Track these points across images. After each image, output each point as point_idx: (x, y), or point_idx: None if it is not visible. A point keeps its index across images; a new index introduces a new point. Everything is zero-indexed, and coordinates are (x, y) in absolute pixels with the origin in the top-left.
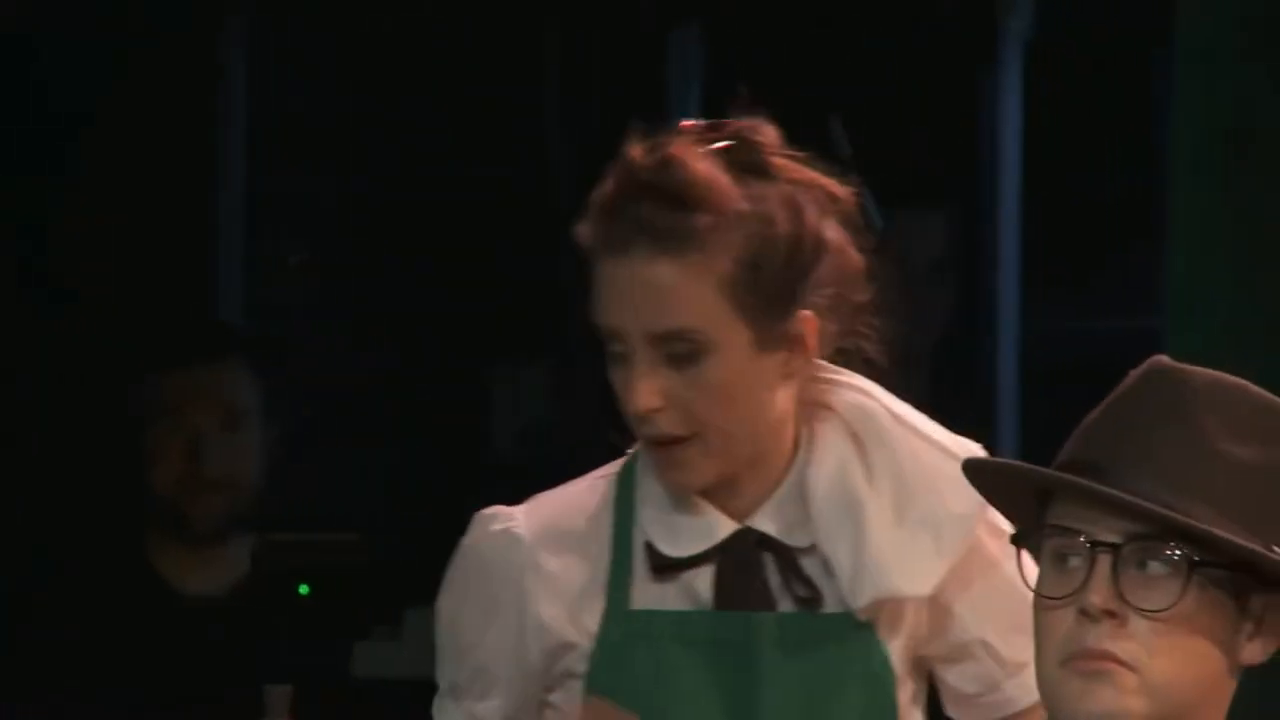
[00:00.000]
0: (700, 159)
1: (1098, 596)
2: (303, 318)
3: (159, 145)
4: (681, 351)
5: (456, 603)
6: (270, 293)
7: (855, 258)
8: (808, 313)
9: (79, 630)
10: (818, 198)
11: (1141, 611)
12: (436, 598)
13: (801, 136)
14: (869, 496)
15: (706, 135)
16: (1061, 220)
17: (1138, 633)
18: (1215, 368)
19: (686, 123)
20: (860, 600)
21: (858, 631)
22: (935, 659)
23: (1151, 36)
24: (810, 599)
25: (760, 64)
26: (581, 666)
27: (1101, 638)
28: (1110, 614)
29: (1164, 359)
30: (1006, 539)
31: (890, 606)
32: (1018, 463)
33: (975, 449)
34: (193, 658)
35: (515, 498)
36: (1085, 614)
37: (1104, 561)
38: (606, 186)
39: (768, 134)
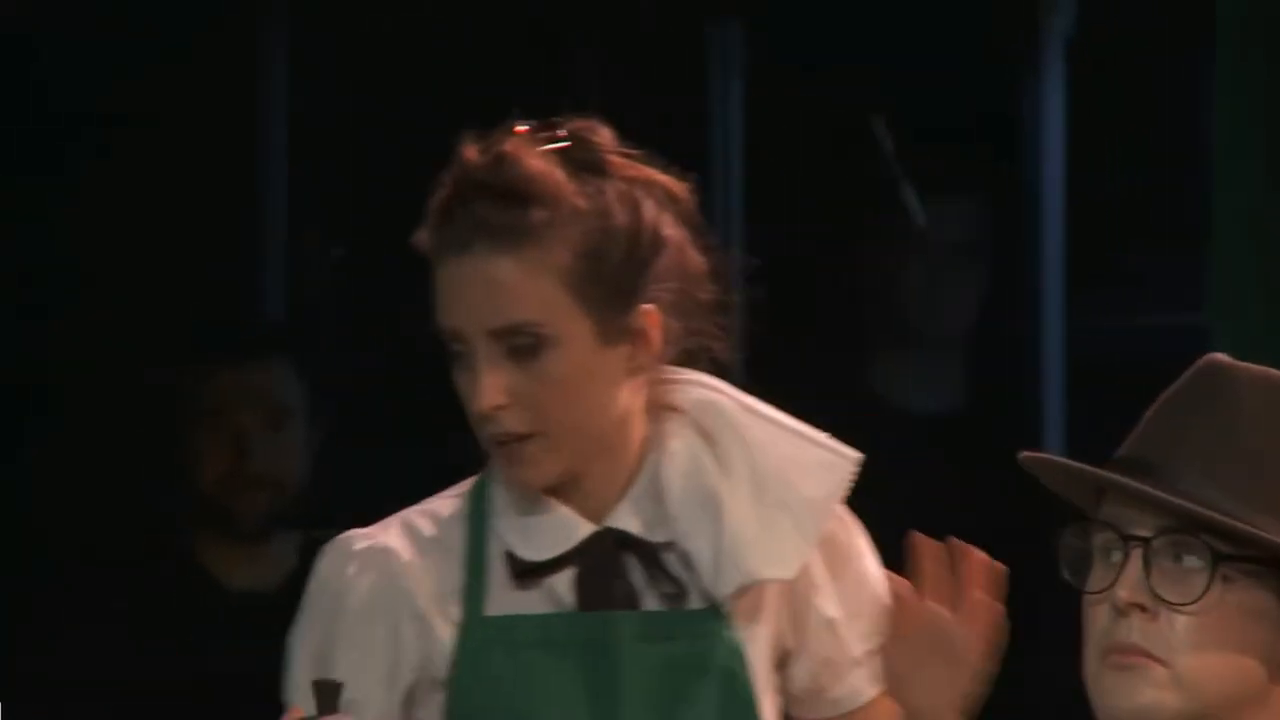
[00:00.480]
0: (535, 156)
1: (1125, 590)
2: (343, 315)
3: (202, 143)
4: (523, 346)
5: (320, 635)
6: (312, 292)
7: (696, 255)
8: (650, 306)
9: (126, 626)
10: (655, 195)
11: (1170, 605)
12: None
13: (843, 132)
14: (723, 488)
15: (541, 134)
16: (1105, 216)
17: (1170, 627)
18: (1258, 364)
19: (517, 124)
20: (725, 588)
21: (718, 625)
22: (791, 650)
23: (1195, 32)
24: (675, 594)
25: (802, 59)
26: (443, 678)
27: (1131, 632)
28: (1140, 608)
29: (1219, 356)
30: (857, 533)
31: (752, 598)
32: (1066, 460)
33: (841, 446)
34: (239, 653)
35: None
36: (1115, 608)
37: (1136, 556)
38: (441, 189)
39: (603, 133)
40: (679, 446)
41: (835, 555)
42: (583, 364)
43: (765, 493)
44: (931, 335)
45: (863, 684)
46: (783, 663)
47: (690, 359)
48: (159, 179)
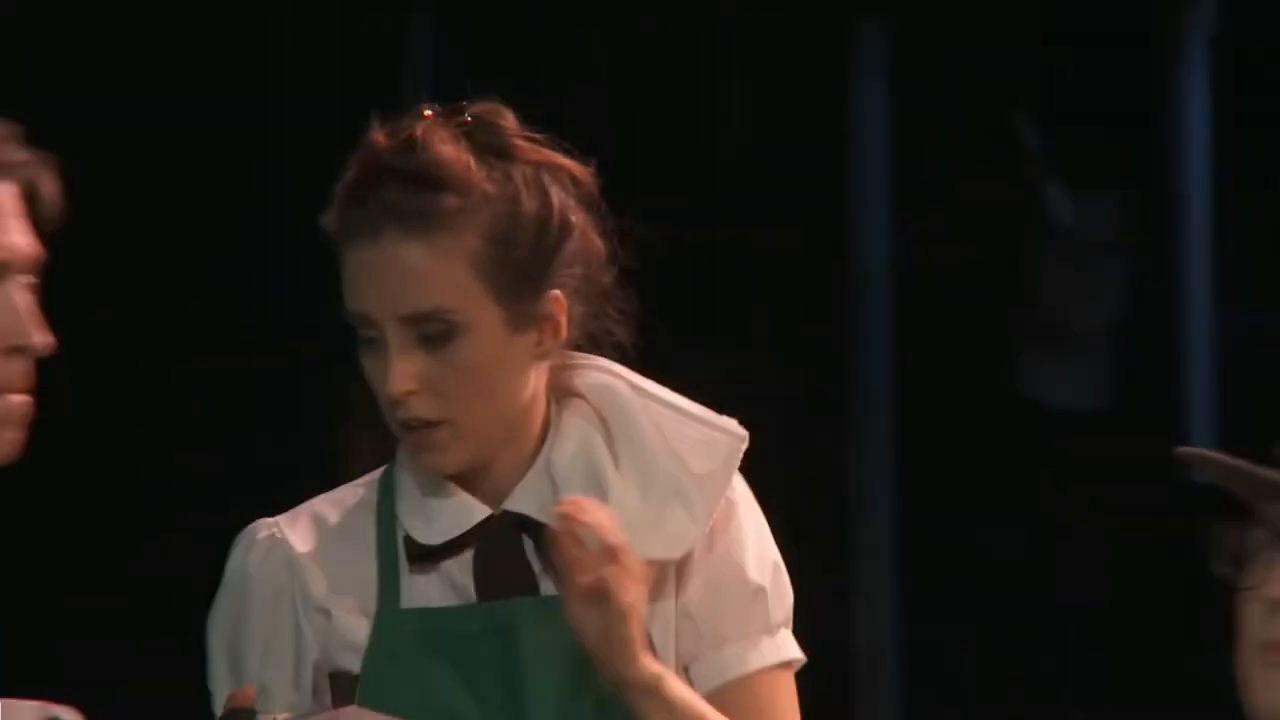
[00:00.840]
0: (443, 141)
1: (1276, 587)
2: None
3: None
4: (434, 333)
5: (230, 625)
6: None
7: (597, 240)
8: (557, 292)
9: None
10: (560, 179)
11: None
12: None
13: (986, 127)
14: (610, 470)
15: (447, 118)
16: (1252, 212)
17: None
18: None
19: (425, 108)
20: None
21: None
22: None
23: None
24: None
25: (945, 56)
26: (352, 667)
27: None
28: None
29: None
30: (743, 513)
31: (652, 573)
32: (1228, 458)
33: (731, 424)
34: None
35: None
36: (1269, 605)
37: None
38: (349, 173)
39: (507, 117)
40: (571, 430)
41: (714, 542)
42: (493, 350)
43: (654, 474)
44: (1078, 332)
45: (726, 663)
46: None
47: (592, 344)
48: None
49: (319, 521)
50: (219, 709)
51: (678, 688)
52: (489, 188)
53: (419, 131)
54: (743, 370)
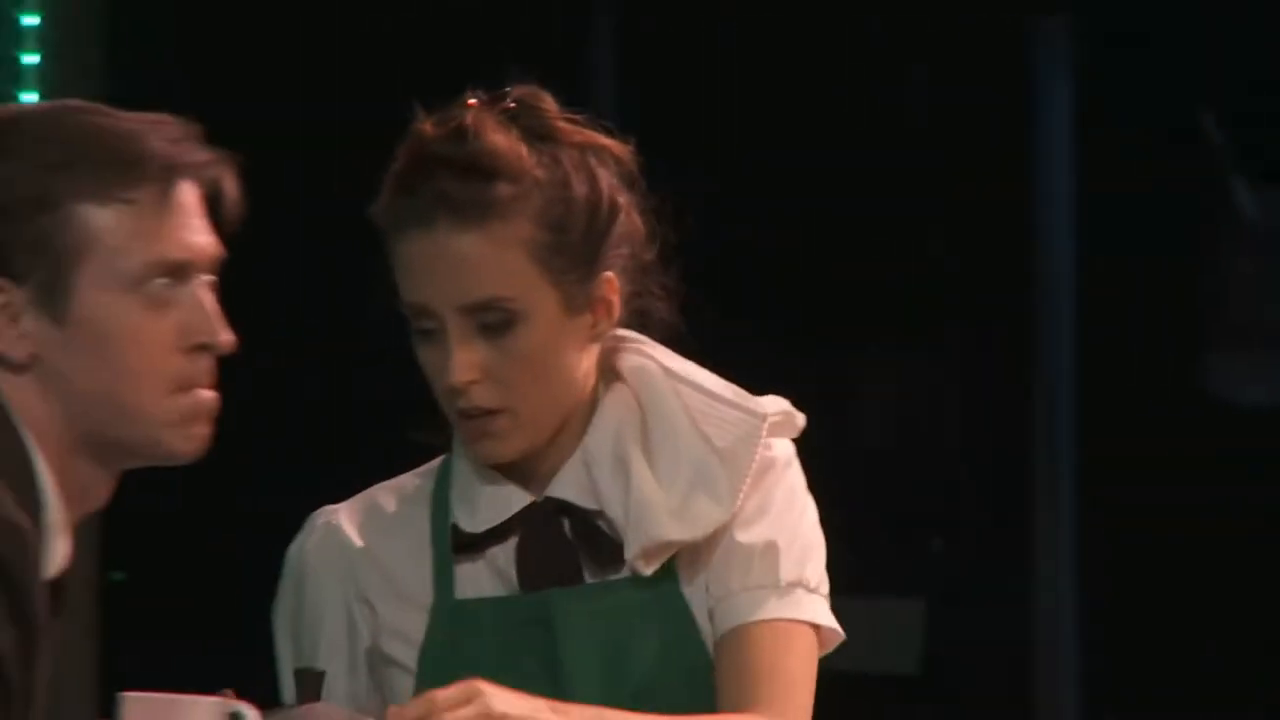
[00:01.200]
0: (494, 129)
1: None
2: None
3: None
4: (493, 321)
5: (289, 612)
6: None
7: (639, 218)
8: (610, 274)
9: None
10: (604, 160)
11: None
12: None
13: (1165, 125)
14: (635, 453)
15: (492, 105)
16: None
17: None
18: None
19: (469, 96)
20: (631, 552)
21: (656, 583)
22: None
23: None
24: (611, 560)
25: (1129, 54)
26: (400, 656)
27: None
28: None
29: None
30: (782, 481)
31: (691, 551)
32: None
33: (756, 403)
34: None
35: None
36: None
37: None
38: (398, 163)
39: (548, 100)
40: (609, 413)
41: (746, 510)
42: (551, 336)
43: (680, 456)
44: (1265, 328)
45: (728, 613)
46: None
47: (640, 323)
48: None
49: (376, 509)
50: (287, 693)
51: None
52: (540, 173)
53: (469, 120)
54: (929, 372)
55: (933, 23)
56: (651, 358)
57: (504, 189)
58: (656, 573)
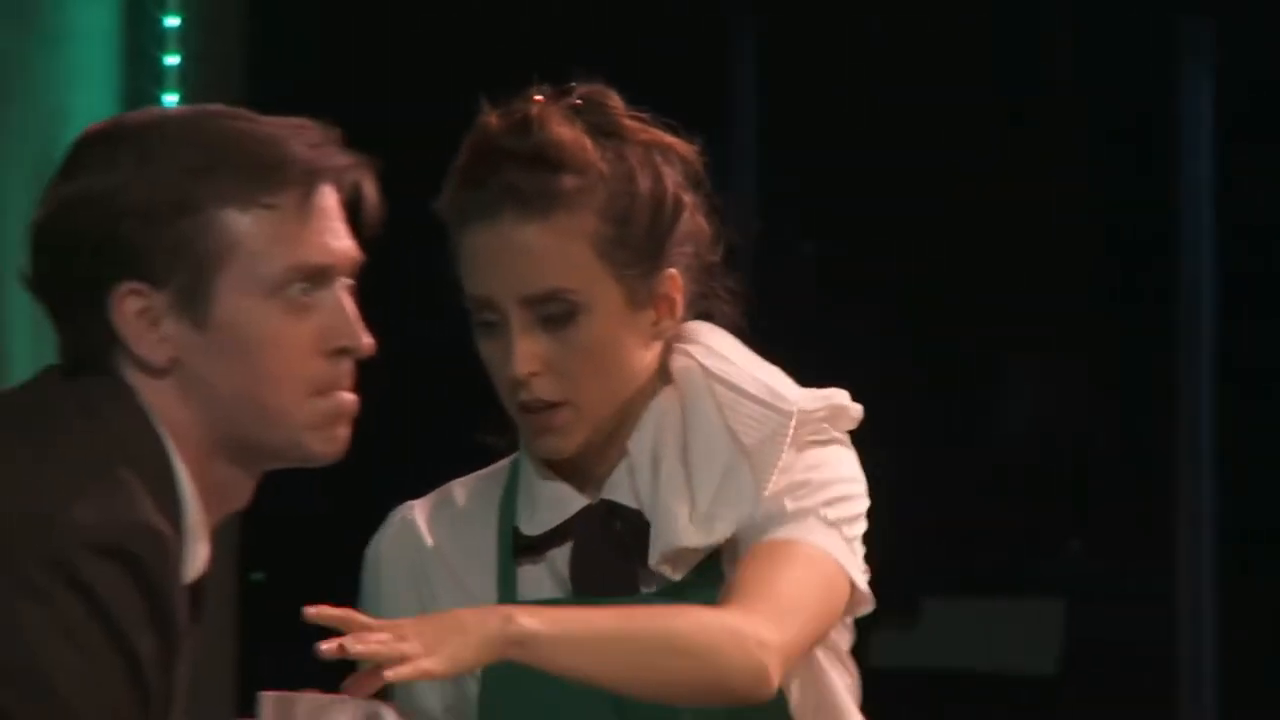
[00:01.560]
0: (559, 122)
1: None
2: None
3: None
4: (556, 313)
5: (369, 607)
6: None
7: (704, 219)
8: (674, 271)
9: None
10: (670, 158)
11: None
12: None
13: None
14: (669, 456)
15: (557, 100)
16: None
17: None
18: None
19: (534, 90)
20: (652, 558)
21: (705, 586)
22: None
23: None
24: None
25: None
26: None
27: None
28: None
29: None
30: (816, 449)
31: (729, 552)
32: None
33: (784, 401)
34: None
35: None
36: None
37: None
38: (463, 156)
39: (614, 98)
40: (651, 415)
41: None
42: (613, 330)
43: (713, 458)
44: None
45: (747, 535)
46: None
47: (704, 320)
48: None
49: (450, 507)
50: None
51: (551, 616)
52: (604, 167)
53: (534, 113)
54: (1070, 371)
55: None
56: (693, 357)
57: (569, 181)
58: (705, 574)
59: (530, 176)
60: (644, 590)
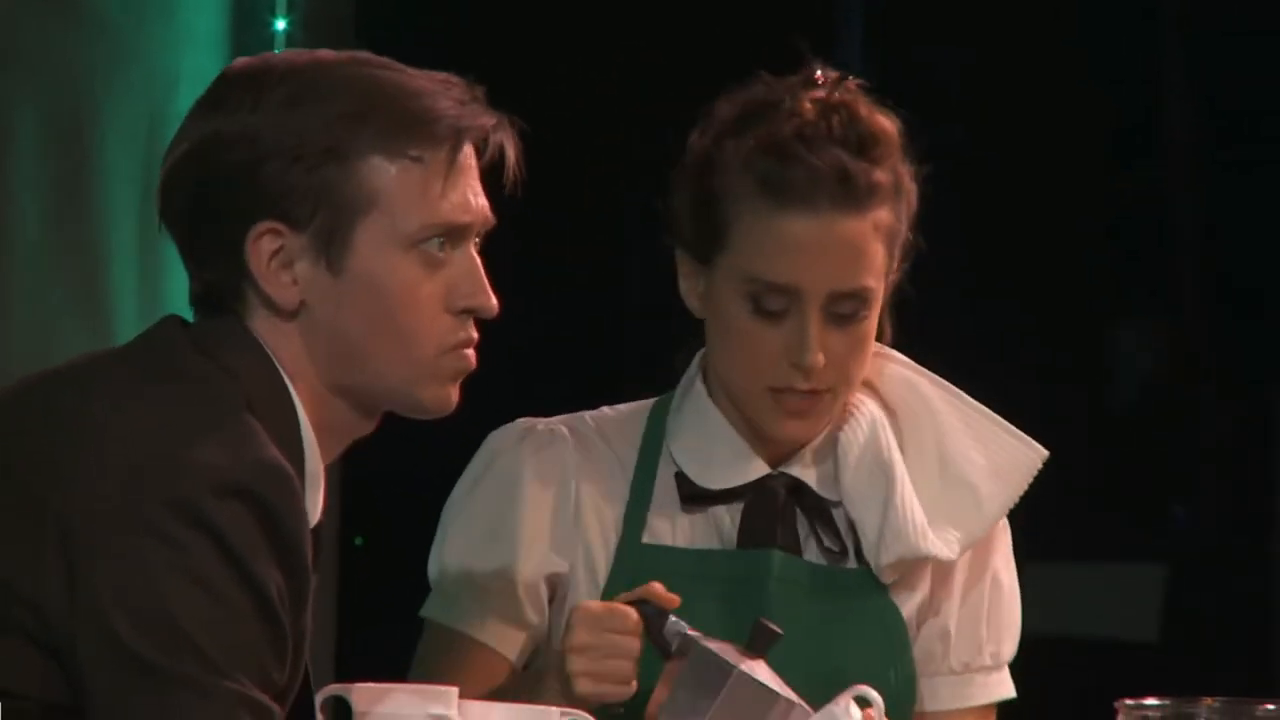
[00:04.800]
0: (876, 111)
1: None
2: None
3: None
4: (848, 310)
5: (493, 509)
6: None
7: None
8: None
9: None
10: (905, 145)
11: None
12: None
13: None
14: (898, 462)
15: (833, 83)
16: None
17: None
18: None
19: (841, 76)
20: (886, 558)
21: (876, 588)
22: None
23: None
24: (837, 552)
25: None
26: (584, 590)
27: None
28: None
29: None
30: (1007, 539)
31: (911, 570)
32: None
33: (1033, 442)
34: None
35: None
36: None
37: None
38: (778, 129)
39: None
40: (863, 416)
41: (977, 559)
42: (873, 327)
43: (948, 473)
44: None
45: (946, 692)
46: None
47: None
48: None
49: (586, 436)
50: (447, 589)
51: None
52: (902, 164)
53: (851, 100)
54: (1171, 337)
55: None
56: (915, 370)
57: (882, 175)
58: (850, 556)
59: (856, 165)
60: (806, 558)
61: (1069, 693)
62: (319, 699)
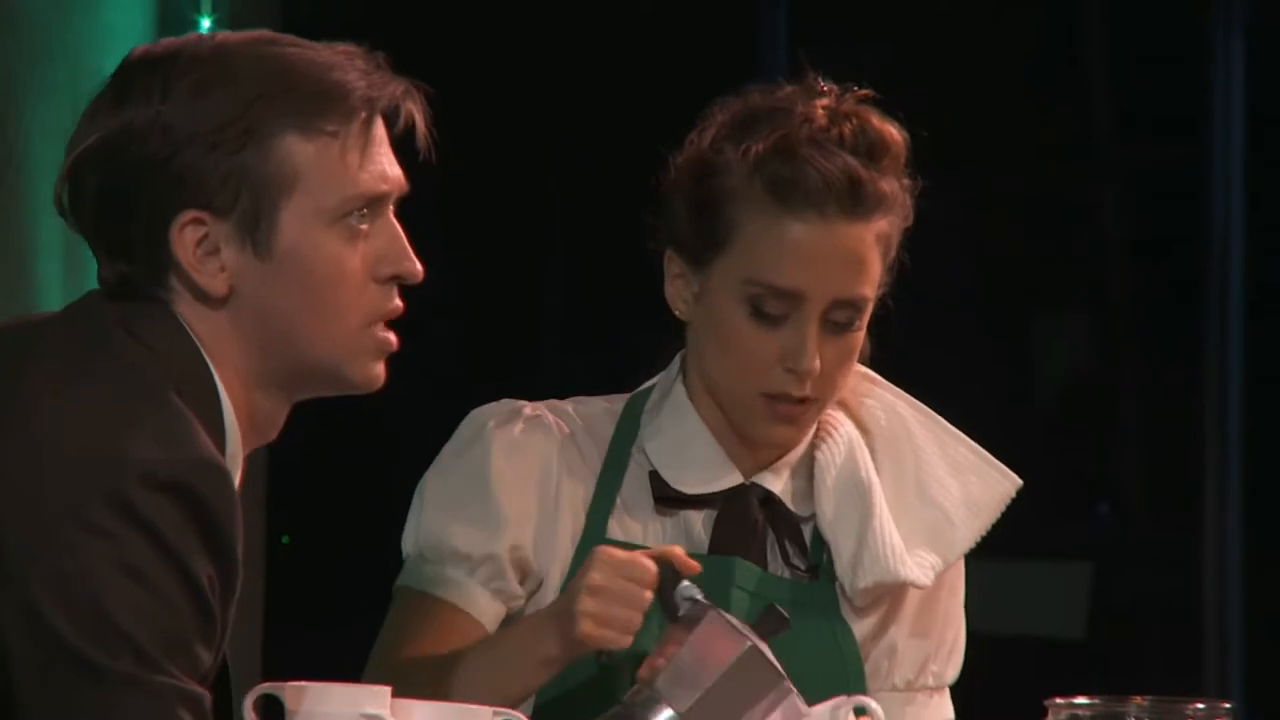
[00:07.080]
0: (886, 121)
1: None
2: None
3: None
4: (844, 319)
5: (474, 486)
6: None
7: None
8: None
9: None
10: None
11: None
12: None
13: None
14: (876, 484)
15: (813, 95)
16: None
17: None
18: None
19: (816, 79)
20: (863, 581)
21: (834, 607)
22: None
23: None
24: (803, 570)
25: None
26: (554, 579)
27: None
28: None
29: None
30: (960, 580)
31: (885, 594)
32: None
33: (1007, 470)
34: None
35: None
36: None
37: None
38: (791, 133)
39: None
40: (840, 436)
41: (938, 583)
42: (860, 338)
43: (924, 498)
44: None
45: (885, 708)
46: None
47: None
48: None
49: (565, 422)
50: (427, 557)
51: None
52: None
53: (858, 108)
54: (1099, 337)
55: None
56: (895, 393)
57: (888, 185)
58: (816, 573)
59: (865, 172)
60: (771, 572)
61: (997, 691)
62: (250, 698)
